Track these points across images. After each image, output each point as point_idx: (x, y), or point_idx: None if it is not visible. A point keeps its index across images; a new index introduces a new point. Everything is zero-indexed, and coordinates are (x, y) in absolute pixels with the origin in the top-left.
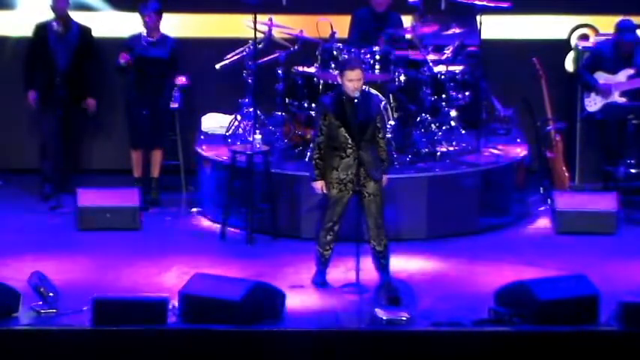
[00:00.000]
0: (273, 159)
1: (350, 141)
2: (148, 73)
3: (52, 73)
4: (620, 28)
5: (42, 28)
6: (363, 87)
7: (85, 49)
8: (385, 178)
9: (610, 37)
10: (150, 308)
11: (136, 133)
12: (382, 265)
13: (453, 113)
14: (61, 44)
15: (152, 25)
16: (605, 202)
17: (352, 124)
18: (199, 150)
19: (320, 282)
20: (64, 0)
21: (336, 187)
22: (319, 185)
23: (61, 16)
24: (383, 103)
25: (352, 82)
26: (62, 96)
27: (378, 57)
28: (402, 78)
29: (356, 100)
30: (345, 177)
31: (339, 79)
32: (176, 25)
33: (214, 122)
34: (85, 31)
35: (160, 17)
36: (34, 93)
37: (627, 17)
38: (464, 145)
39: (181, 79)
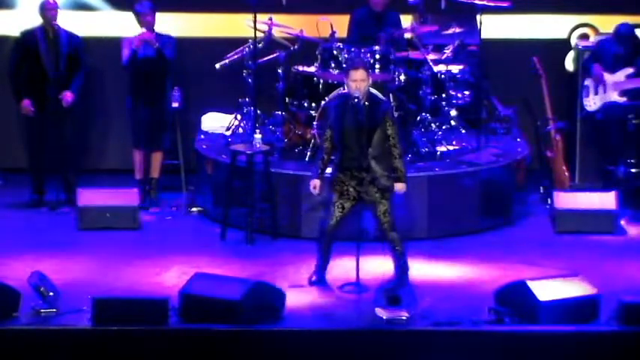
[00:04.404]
0: (273, 159)
1: (352, 143)
2: (147, 72)
3: (43, 81)
4: (618, 34)
5: (30, 35)
6: (373, 91)
7: (75, 57)
8: (401, 186)
9: (610, 36)
10: (150, 308)
11: (138, 133)
12: (399, 267)
13: (453, 113)
14: (51, 52)
15: (150, 24)
16: (605, 202)
17: (352, 125)
18: (199, 150)
19: (315, 280)
20: (55, 8)
21: (337, 189)
22: (312, 184)
23: (51, 23)
24: (392, 110)
25: (355, 82)
26: (55, 104)
27: (378, 57)
28: (402, 77)
29: (356, 101)
30: (345, 180)
31: (345, 80)
32: (176, 25)
33: (214, 122)
34: (75, 39)
35: (155, 15)
36: (29, 102)
37: (626, 21)
38: (464, 144)
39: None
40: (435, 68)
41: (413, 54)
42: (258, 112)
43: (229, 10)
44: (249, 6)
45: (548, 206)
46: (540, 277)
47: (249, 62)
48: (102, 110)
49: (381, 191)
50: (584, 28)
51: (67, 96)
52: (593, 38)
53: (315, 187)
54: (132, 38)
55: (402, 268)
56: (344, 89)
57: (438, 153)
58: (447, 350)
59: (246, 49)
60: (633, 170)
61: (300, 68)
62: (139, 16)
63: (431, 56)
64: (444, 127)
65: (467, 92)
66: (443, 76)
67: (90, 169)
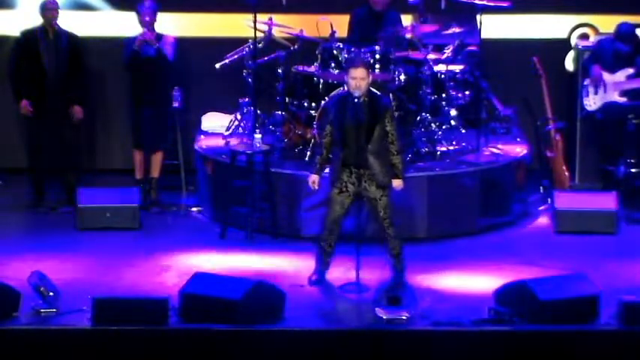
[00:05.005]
0: (273, 159)
1: (351, 141)
2: (148, 72)
3: (43, 81)
4: (619, 33)
5: (30, 35)
6: (373, 89)
7: (75, 57)
8: (398, 182)
9: (610, 36)
10: (150, 308)
11: (138, 133)
12: (395, 266)
13: (453, 112)
14: (51, 52)
15: (151, 24)
16: (605, 202)
17: (352, 123)
18: (199, 150)
19: (315, 281)
20: (55, 8)
21: (337, 186)
22: (311, 179)
23: (52, 23)
24: (392, 107)
25: (355, 80)
26: (55, 104)
27: (378, 56)
28: (402, 77)
29: (356, 100)
30: (345, 177)
31: (345, 78)
32: (176, 25)
33: (214, 122)
34: (74, 39)
35: (156, 16)
36: (28, 102)
37: (627, 21)
38: (464, 144)
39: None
40: (435, 68)
41: (413, 54)
42: (258, 112)
43: (229, 10)
44: (249, 6)
45: (548, 206)
46: (540, 277)
47: (249, 62)
48: (102, 110)
49: (380, 188)
50: (584, 28)
51: (77, 112)
52: (593, 38)
53: (314, 183)
54: (133, 38)
55: (398, 268)
56: (344, 89)
57: (438, 153)
58: (447, 350)
59: (246, 49)
60: (633, 170)
61: (300, 68)
62: (140, 15)
63: (431, 56)
64: (444, 127)
65: (467, 92)
66: (443, 76)
67: (90, 169)
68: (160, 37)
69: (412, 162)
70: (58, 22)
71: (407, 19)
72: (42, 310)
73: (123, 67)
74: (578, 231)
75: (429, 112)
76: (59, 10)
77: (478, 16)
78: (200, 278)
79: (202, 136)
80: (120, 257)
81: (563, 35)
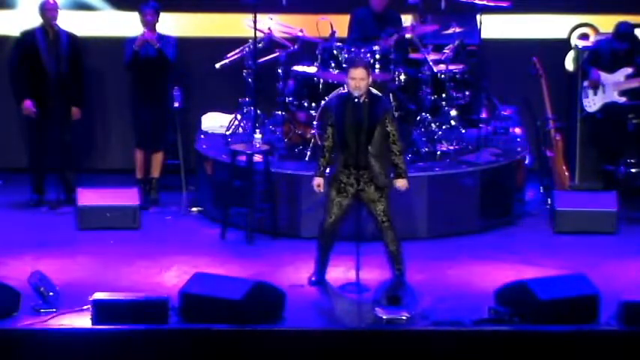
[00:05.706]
0: (273, 159)
1: (351, 141)
2: (148, 72)
3: (44, 82)
4: (619, 32)
5: (29, 35)
6: (373, 90)
7: (75, 57)
8: (402, 182)
9: (608, 36)
10: (150, 308)
11: (140, 132)
12: (395, 268)
13: (453, 112)
14: (51, 52)
15: (152, 24)
16: (605, 202)
17: (353, 124)
18: (199, 150)
19: (316, 281)
20: (55, 9)
21: (335, 187)
22: (315, 183)
23: (51, 23)
24: (392, 110)
25: (354, 80)
26: (55, 104)
27: (378, 56)
28: (402, 77)
29: (356, 100)
30: (344, 178)
31: (345, 78)
32: (176, 24)
33: (214, 122)
34: (74, 39)
35: (158, 16)
36: (31, 102)
37: (627, 20)
38: (464, 144)
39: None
40: (435, 68)
41: (413, 54)
42: (258, 112)
43: (229, 10)
44: (249, 6)
45: (548, 206)
46: (540, 277)
47: (249, 62)
48: (101, 110)
49: (380, 189)
50: (584, 28)
51: (75, 113)
52: (593, 38)
53: (318, 186)
54: (134, 38)
55: (398, 270)
56: (344, 89)
57: (438, 153)
58: (447, 350)
59: (247, 49)
60: (633, 170)
61: (300, 68)
62: (142, 15)
63: (431, 56)
64: (444, 127)
65: (467, 92)
66: (443, 76)
67: (90, 169)
68: (161, 38)
69: (412, 162)
70: (58, 22)
71: (407, 19)
72: (42, 310)
73: (124, 67)
74: (578, 231)
75: (429, 112)
76: (59, 10)
77: (478, 16)
78: (200, 278)
79: (202, 136)
80: (120, 257)
81: (563, 35)
